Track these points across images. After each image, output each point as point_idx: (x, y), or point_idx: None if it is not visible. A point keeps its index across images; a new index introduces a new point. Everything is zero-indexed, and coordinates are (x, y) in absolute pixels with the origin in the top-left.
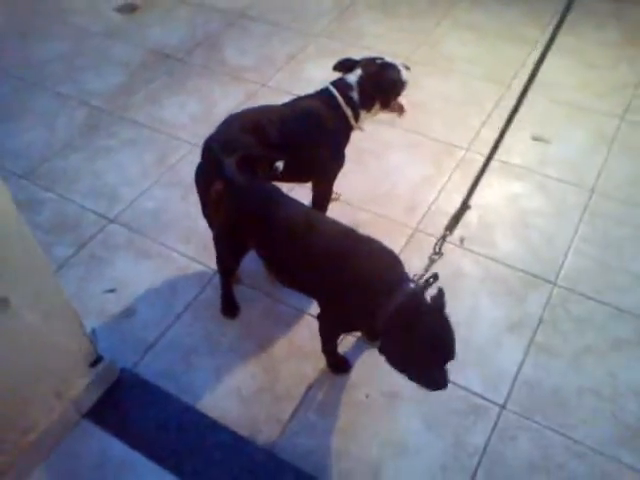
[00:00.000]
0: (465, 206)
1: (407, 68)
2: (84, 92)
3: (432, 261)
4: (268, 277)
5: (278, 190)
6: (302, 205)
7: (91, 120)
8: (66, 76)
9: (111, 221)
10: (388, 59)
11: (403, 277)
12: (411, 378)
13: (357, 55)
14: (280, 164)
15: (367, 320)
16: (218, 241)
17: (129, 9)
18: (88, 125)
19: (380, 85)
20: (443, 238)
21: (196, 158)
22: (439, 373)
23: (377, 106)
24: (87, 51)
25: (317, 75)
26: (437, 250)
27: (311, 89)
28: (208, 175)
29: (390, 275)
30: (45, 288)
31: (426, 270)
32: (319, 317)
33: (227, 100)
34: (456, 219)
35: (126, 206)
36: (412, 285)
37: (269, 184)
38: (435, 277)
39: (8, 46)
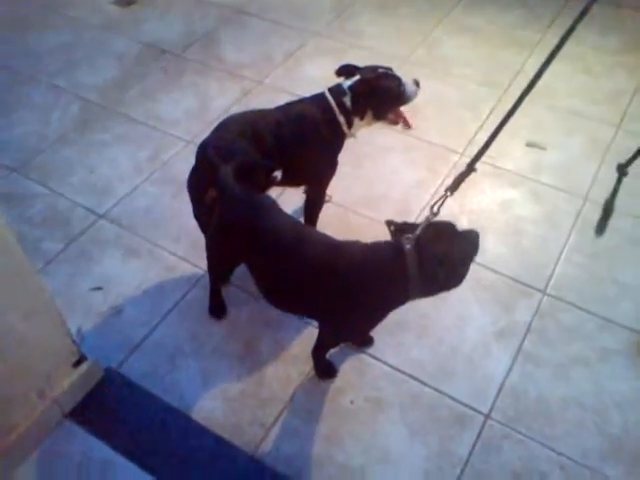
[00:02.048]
0: (470, 169)
1: (417, 84)
2: (79, 85)
3: (428, 221)
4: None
5: (273, 203)
6: (294, 220)
7: (85, 114)
8: (62, 69)
9: (101, 217)
10: (398, 73)
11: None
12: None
13: (355, 55)
14: (278, 174)
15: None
16: (209, 250)
17: (126, 2)
18: (82, 119)
19: (372, 94)
20: (443, 197)
21: (190, 155)
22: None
23: (370, 115)
24: (83, 44)
25: (314, 74)
26: (435, 211)
27: (308, 88)
28: (202, 180)
29: (394, 264)
30: (26, 288)
31: (422, 228)
32: (320, 331)
33: (223, 97)
34: (459, 181)
35: (117, 202)
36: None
37: (264, 196)
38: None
39: (5, 37)
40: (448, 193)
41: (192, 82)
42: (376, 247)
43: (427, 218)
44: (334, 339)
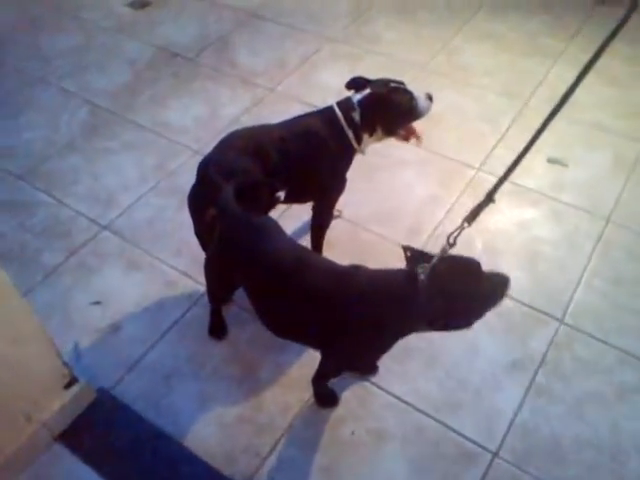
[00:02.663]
0: (489, 199)
1: (430, 98)
2: (89, 90)
3: (444, 252)
4: None
5: (274, 226)
6: (296, 244)
7: (94, 119)
8: (72, 72)
9: (104, 228)
10: (410, 88)
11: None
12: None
13: (372, 62)
14: (281, 194)
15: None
16: (207, 271)
17: (140, 4)
18: (90, 125)
19: (382, 109)
20: (460, 228)
21: (196, 165)
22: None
23: (380, 131)
24: (95, 47)
25: (329, 81)
26: (452, 241)
27: (322, 96)
28: (203, 198)
29: (403, 291)
30: (12, 314)
31: (436, 260)
32: (322, 360)
33: (234, 105)
34: (477, 212)
35: (121, 213)
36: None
37: (265, 218)
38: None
39: (17, 39)
40: (465, 224)
41: (203, 88)
42: (387, 276)
43: (443, 248)
44: (335, 370)
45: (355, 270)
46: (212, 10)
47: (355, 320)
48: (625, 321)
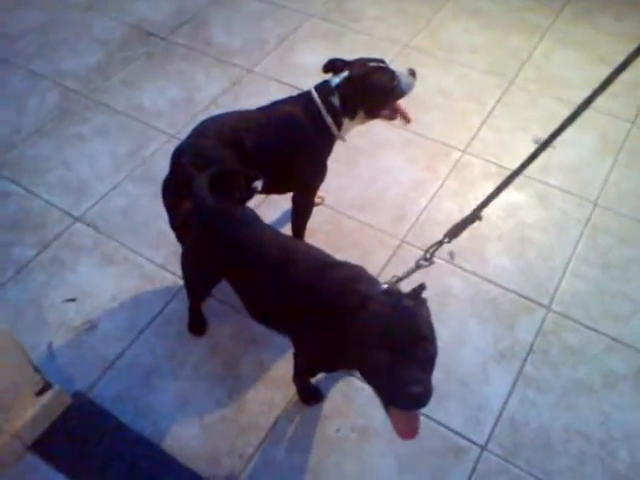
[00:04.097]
0: (475, 215)
1: (412, 74)
2: (58, 72)
3: (418, 267)
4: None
5: (253, 215)
6: (278, 233)
7: (64, 103)
8: (40, 52)
9: (77, 219)
10: (390, 65)
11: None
12: (385, 396)
13: (352, 40)
14: (259, 184)
15: (340, 352)
16: (185, 267)
17: None
18: (60, 109)
19: (363, 91)
20: (439, 244)
21: (173, 151)
22: (406, 374)
23: (361, 115)
24: (64, 25)
25: (309, 61)
26: (428, 256)
27: (301, 77)
28: (177, 191)
29: (355, 295)
30: None
31: (407, 274)
32: (295, 355)
33: (210, 86)
34: (461, 228)
35: (94, 203)
36: (379, 287)
37: (243, 208)
38: (422, 287)
39: None
40: (446, 239)
41: (179, 69)
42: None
43: (417, 263)
44: (308, 367)
45: (339, 265)
46: None
47: (324, 297)
48: (613, 307)
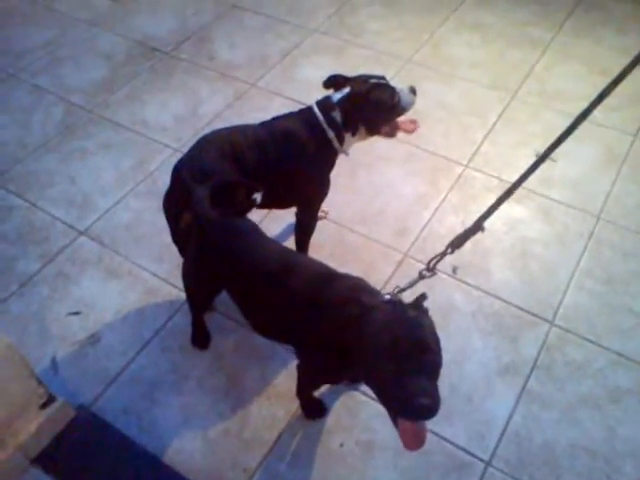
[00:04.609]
0: (478, 227)
1: (413, 91)
2: (63, 87)
3: (421, 277)
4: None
5: (254, 227)
6: (279, 245)
7: (69, 118)
8: (46, 68)
9: (81, 233)
10: (391, 81)
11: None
12: (393, 407)
13: (355, 54)
14: (258, 196)
15: (344, 364)
16: (186, 279)
17: None
18: (65, 124)
19: (364, 108)
20: (442, 254)
21: None
22: (413, 384)
23: (363, 131)
24: (70, 41)
25: (311, 75)
26: (431, 267)
27: (304, 91)
28: (177, 204)
29: (358, 304)
30: None
31: (410, 285)
32: (298, 367)
33: (214, 100)
34: (464, 239)
35: (99, 217)
36: (381, 297)
37: (243, 220)
38: (423, 296)
39: None
40: (449, 250)
41: (182, 83)
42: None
43: (421, 274)
44: (311, 380)
45: (341, 277)
46: (191, 1)
47: (326, 310)
48: (617, 322)
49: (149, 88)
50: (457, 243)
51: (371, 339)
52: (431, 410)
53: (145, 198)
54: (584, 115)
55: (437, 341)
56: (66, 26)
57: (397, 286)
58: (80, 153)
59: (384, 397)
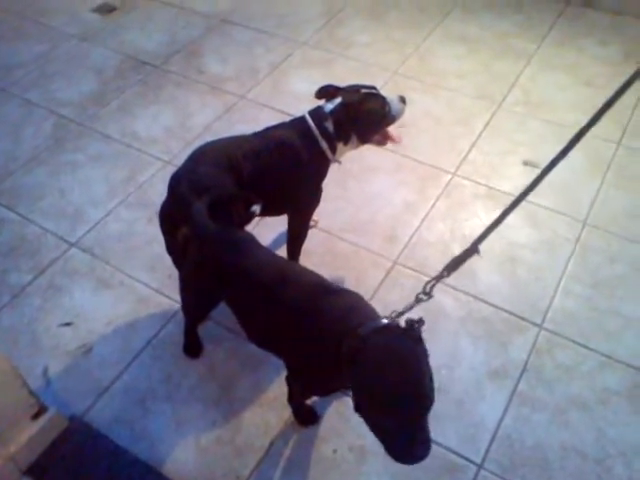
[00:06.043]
0: (473, 249)
1: (403, 100)
2: (54, 100)
3: (418, 301)
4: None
5: (252, 239)
6: (276, 257)
7: (59, 131)
8: (37, 82)
9: (72, 245)
10: (381, 91)
11: (366, 320)
12: (389, 451)
13: (343, 66)
14: (257, 208)
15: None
16: (183, 291)
17: (106, 10)
18: (55, 137)
19: (356, 117)
20: (438, 278)
21: (167, 177)
22: (410, 438)
23: (355, 140)
24: (61, 55)
25: (300, 87)
26: (427, 290)
27: (293, 103)
28: (175, 217)
29: (349, 322)
30: None
31: (408, 308)
32: (287, 379)
33: (204, 113)
34: (459, 262)
35: (90, 228)
36: (378, 323)
37: (242, 232)
38: (420, 322)
39: None
40: (445, 273)
41: (172, 96)
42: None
43: (417, 298)
44: (302, 390)
45: (337, 291)
46: (181, 15)
47: (317, 322)
48: (604, 324)
49: (139, 101)
50: (453, 266)
51: (366, 382)
52: (425, 456)
53: (136, 209)
54: (578, 137)
55: (431, 375)
56: (56, 40)
57: (394, 310)
58: (71, 166)
59: (378, 438)
